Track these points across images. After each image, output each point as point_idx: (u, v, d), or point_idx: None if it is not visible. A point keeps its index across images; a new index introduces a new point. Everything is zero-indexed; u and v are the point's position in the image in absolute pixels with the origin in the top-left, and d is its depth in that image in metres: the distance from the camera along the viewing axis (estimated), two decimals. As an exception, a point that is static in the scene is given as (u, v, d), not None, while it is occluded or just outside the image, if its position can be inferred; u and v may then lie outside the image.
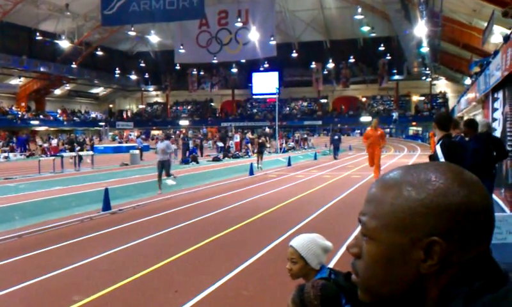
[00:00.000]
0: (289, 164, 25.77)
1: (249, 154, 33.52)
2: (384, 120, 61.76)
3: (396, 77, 66.19)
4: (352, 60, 65.34)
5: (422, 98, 69.77)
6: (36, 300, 5.70)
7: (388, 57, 62.91)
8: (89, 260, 7.37)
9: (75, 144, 29.79)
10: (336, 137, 33.08)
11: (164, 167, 15.41)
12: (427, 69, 56.48)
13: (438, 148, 5.73)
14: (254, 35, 51.17)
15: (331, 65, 65.55)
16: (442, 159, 5.66)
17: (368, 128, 18.26)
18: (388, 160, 28.19)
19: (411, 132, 64.82)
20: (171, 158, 16.73)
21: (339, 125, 57.64)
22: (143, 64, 72.13)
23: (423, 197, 0.81)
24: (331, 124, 58.44)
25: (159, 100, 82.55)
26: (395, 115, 66.24)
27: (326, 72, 67.51)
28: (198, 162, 26.54)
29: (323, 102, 73.59)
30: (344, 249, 7.61)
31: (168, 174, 15.63)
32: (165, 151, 15.55)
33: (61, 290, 6.07)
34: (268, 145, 32.61)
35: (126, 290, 5.99)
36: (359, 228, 0.90)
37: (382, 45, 60.44)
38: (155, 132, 66.35)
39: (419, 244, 0.80)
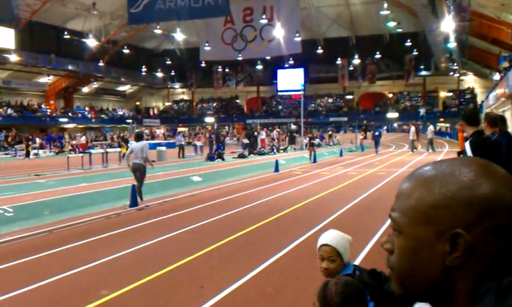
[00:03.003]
0: (314, 161, 25.70)
1: (275, 151, 33.52)
2: (411, 116, 61.04)
3: (423, 72, 65.36)
4: (378, 56, 64.79)
5: (450, 93, 68.79)
6: (65, 295, 5.83)
7: (415, 53, 62.16)
8: (116, 256, 7.49)
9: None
10: (377, 133, 34.10)
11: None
12: (455, 64, 55.63)
13: (467, 146, 5.55)
14: (279, 32, 51.09)
15: (356, 61, 65.07)
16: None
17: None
18: (416, 156, 27.90)
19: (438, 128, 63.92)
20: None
21: (365, 122, 57.15)
22: (168, 62, 72.69)
23: (446, 191, 0.83)
24: (357, 121, 57.99)
25: (185, 97, 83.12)
26: (422, 111, 65.44)
27: (351, 68, 67.06)
28: (223, 159, 26.65)
29: (349, 98, 73.14)
30: (370, 246, 7.59)
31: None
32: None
33: (90, 284, 6.19)
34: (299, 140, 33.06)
35: (153, 285, 6.08)
36: (389, 224, 0.93)
37: (408, 40, 59.76)
38: (181, 129, 66.77)
39: (444, 237, 0.81)
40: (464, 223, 0.80)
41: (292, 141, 37.34)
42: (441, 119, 64.65)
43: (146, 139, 33.39)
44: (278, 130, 48.02)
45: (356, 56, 64.20)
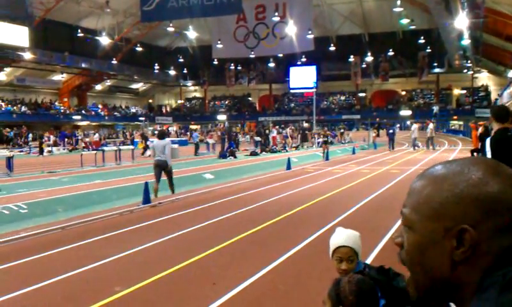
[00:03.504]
0: (327, 159, 25.65)
1: (287, 148, 33.51)
2: (425, 114, 60.70)
3: (436, 70, 64.92)
4: (391, 53, 64.47)
5: (464, 91, 68.27)
6: (79, 291, 5.88)
7: (428, 50, 61.78)
8: (129, 252, 7.54)
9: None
10: (391, 130, 34.72)
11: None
12: (469, 61, 55.17)
13: (488, 142, 5.45)
14: (291, 29, 51.06)
15: (369, 58, 64.84)
16: (488, 153, 5.38)
17: None
18: (429, 154, 27.74)
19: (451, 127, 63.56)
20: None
21: (378, 119, 56.93)
22: (181, 60, 72.93)
23: (455, 188, 0.86)
24: (369, 118, 57.78)
25: (197, 94, 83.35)
26: (435, 109, 65.00)
27: (364, 66, 66.81)
28: (235, 157, 26.70)
29: (361, 95, 72.89)
30: (382, 243, 7.57)
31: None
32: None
33: (103, 280, 6.24)
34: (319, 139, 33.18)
35: (165, 281, 6.12)
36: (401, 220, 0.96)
37: (422, 37, 59.40)
38: (193, 127, 67.00)
39: (451, 233, 0.85)
40: (471, 220, 0.83)
41: (304, 138, 37.54)
42: (455, 117, 64.20)
43: (147, 137, 33.57)
44: (292, 127, 48.00)
45: (369, 53, 63.93)
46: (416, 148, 32.25)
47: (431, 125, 32.86)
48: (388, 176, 17.41)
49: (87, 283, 6.19)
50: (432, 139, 32.24)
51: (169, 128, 63.87)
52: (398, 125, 65.53)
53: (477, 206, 0.84)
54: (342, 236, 2.77)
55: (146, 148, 29.11)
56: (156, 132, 23.58)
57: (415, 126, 34.38)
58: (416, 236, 0.89)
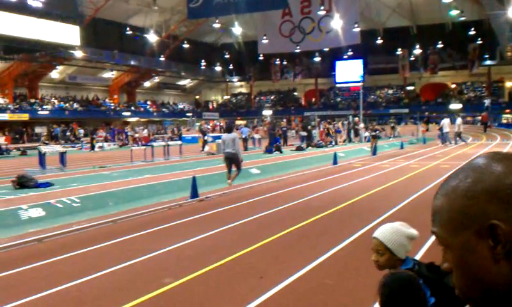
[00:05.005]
0: (374, 153, 25.31)
1: (333, 143, 33.23)
2: (476, 108, 59.02)
3: (488, 62, 62.95)
4: (440, 45, 62.95)
5: (517, 83, 65.96)
6: (129, 282, 6.03)
7: (479, 42, 59.92)
8: (178, 245, 7.68)
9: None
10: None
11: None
12: (523, 53, 53.24)
13: None
14: (337, 23, 50.56)
15: (418, 51, 63.50)
16: None
17: None
18: (479, 149, 26.97)
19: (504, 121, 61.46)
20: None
21: (427, 113, 55.71)
22: (227, 56, 73.43)
23: (467, 190, 0.85)
24: (418, 112, 56.57)
25: (243, 90, 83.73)
26: (487, 102, 62.99)
27: (412, 59, 65.50)
28: (281, 152, 26.68)
29: (410, 89, 71.47)
30: (431, 241, 7.43)
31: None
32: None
33: (152, 273, 6.38)
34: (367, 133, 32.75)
35: (212, 274, 6.20)
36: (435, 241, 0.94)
37: (472, 28, 57.66)
38: (239, 122, 67.35)
39: (483, 234, 0.82)
40: (495, 215, 0.81)
41: (355, 133, 37.32)
42: (507, 111, 62.06)
43: (205, 132, 33.89)
44: (344, 122, 47.40)
45: (417, 46, 62.61)
46: (447, 143, 31.56)
47: (459, 119, 32.09)
48: (438, 171, 17.01)
49: (137, 274, 6.34)
50: (460, 134, 31.56)
51: (216, 123, 64.42)
52: (448, 119, 63.87)
53: (498, 200, 0.81)
54: (379, 228, 2.74)
55: (205, 143, 29.53)
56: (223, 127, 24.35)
57: (447, 120, 33.37)
58: (455, 253, 0.87)
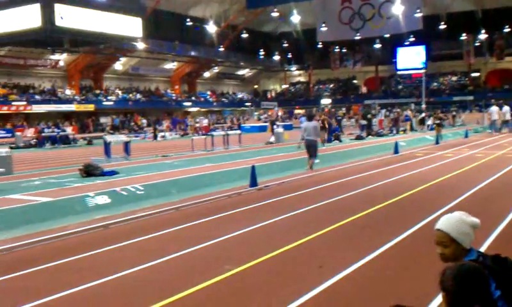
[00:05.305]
0: (437, 142, 24.67)
1: (394, 132, 32.58)
2: (546, 94, 56.09)
3: (561, 46, 59.66)
4: (507, 30, 60.13)
5: None
6: (190, 268, 6.19)
7: (549, 25, 56.91)
8: (238, 233, 7.81)
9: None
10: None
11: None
12: None
13: None
14: (398, 8, 49.31)
15: (483, 36, 61.01)
16: None
17: None
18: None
19: None
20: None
21: (493, 101, 53.51)
22: (285, 45, 73.10)
23: None
24: (483, 100, 54.44)
25: (302, 79, 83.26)
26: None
27: (477, 44, 62.96)
28: (341, 141, 26.45)
29: (474, 76, 68.82)
30: (497, 232, 7.21)
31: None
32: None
33: (213, 259, 6.52)
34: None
35: (272, 262, 6.26)
36: None
37: (542, 11, 54.79)
38: (298, 111, 67.07)
39: None
40: None
41: (421, 121, 36.78)
42: None
43: (274, 121, 34.43)
44: (411, 109, 46.28)
45: (483, 31, 60.14)
46: (494, 132, 30.48)
47: (506, 108, 30.83)
48: (504, 161, 16.41)
49: (198, 260, 6.49)
50: (507, 122, 30.76)
51: (275, 110, 64.45)
52: (497, 107, 61.24)
53: None
54: (441, 219, 2.68)
55: (273, 132, 29.99)
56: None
57: (495, 108, 31.89)
58: None
